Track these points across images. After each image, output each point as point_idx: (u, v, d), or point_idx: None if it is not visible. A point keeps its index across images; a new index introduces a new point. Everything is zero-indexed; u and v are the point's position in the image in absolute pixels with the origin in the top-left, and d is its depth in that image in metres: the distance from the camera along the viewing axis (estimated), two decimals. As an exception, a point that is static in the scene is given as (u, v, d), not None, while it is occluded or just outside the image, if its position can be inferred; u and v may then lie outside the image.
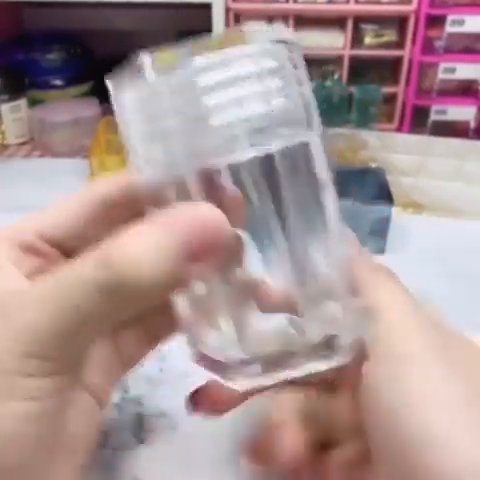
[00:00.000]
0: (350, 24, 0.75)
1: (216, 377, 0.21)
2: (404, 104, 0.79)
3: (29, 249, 0.21)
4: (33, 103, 0.79)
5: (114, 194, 0.21)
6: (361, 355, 0.20)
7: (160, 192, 0.19)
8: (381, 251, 0.52)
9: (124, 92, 0.21)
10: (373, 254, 0.52)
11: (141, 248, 0.16)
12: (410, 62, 0.76)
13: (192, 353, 0.22)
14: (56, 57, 0.83)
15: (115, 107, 0.21)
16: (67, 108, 0.77)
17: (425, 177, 0.62)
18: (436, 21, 0.72)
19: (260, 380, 0.20)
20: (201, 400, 0.25)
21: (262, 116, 0.20)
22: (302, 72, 0.22)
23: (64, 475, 0.18)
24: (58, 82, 0.83)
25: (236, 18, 0.76)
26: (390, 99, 0.81)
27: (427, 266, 0.51)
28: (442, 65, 0.74)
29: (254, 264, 0.20)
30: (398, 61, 0.78)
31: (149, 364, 0.39)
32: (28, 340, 0.16)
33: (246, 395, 0.24)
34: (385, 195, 0.52)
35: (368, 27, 0.77)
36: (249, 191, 0.19)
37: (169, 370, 0.39)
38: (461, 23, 0.71)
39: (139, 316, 0.18)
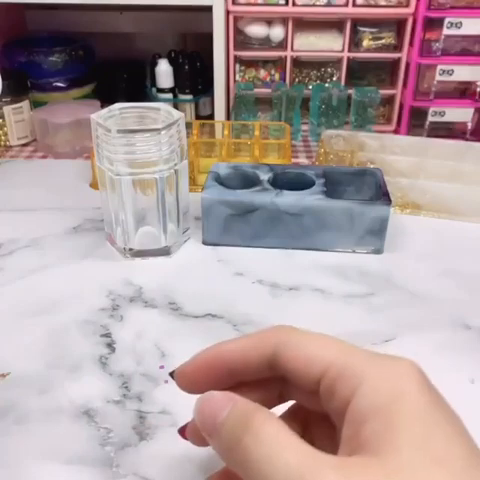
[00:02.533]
0: (348, 27, 0.76)
1: None
2: (402, 106, 0.80)
3: None
4: (35, 105, 0.80)
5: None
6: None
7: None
8: (379, 251, 0.53)
9: None
10: (371, 254, 0.53)
11: None
12: (408, 64, 0.77)
13: None
14: (58, 59, 0.83)
15: None
16: (69, 110, 0.77)
17: (423, 178, 0.63)
18: (434, 24, 0.72)
19: None
20: (188, 433, 0.28)
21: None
22: (182, 130, 0.49)
23: None
24: (60, 84, 0.84)
25: (236, 21, 0.77)
26: (388, 101, 0.82)
27: (424, 266, 0.52)
28: (440, 67, 0.74)
29: None
30: (396, 63, 0.79)
31: (150, 362, 0.40)
32: None
33: None
34: (383, 196, 0.52)
35: (366, 30, 0.77)
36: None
37: (170, 368, 0.40)
38: (458, 25, 0.71)
39: None
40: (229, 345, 0.26)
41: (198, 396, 0.24)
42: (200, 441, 0.27)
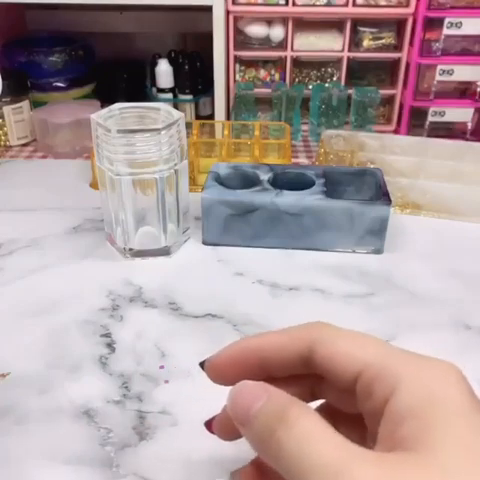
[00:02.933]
0: (349, 27, 0.76)
1: None
2: (402, 106, 0.80)
3: None
4: (35, 105, 0.80)
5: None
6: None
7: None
8: (379, 251, 0.53)
9: None
10: (371, 254, 0.53)
11: None
12: (408, 64, 0.77)
13: None
14: (58, 59, 0.83)
15: None
16: (69, 110, 0.77)
17: (423, 178, 0.63)
18: (434, 24, 0.72)
19: None
20: (215, 427, 0.28)
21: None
22: (182, 130, 0.49)
23: None
24: (60, 84, 0.84)
25: (236, 21, 0.77)
26: (388, 101, 0.82)
27: (424, 266, 0.52)
28: (440, 67, 0.74)
29: None
30: (396, 63, 0.79)
31: (150, 362, 0.40)
32: None
33: None
34: (383, 196, 0.52)
35: (366, 30, 0.77)
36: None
37: (170, 368, 0.40)
38: (458, 25, 0.71)
39: None
40: (262, 339, 0.25)
41: (230, 387, 0.23)
42: (227, 435, 0.27)
